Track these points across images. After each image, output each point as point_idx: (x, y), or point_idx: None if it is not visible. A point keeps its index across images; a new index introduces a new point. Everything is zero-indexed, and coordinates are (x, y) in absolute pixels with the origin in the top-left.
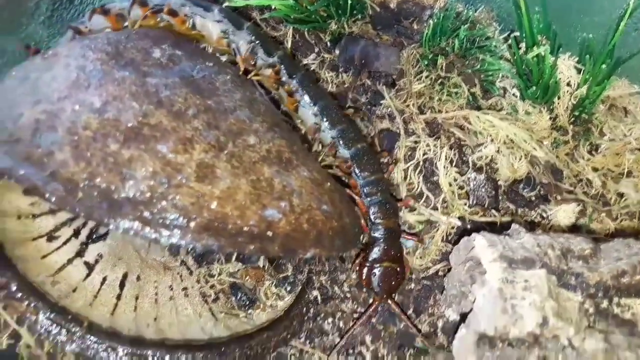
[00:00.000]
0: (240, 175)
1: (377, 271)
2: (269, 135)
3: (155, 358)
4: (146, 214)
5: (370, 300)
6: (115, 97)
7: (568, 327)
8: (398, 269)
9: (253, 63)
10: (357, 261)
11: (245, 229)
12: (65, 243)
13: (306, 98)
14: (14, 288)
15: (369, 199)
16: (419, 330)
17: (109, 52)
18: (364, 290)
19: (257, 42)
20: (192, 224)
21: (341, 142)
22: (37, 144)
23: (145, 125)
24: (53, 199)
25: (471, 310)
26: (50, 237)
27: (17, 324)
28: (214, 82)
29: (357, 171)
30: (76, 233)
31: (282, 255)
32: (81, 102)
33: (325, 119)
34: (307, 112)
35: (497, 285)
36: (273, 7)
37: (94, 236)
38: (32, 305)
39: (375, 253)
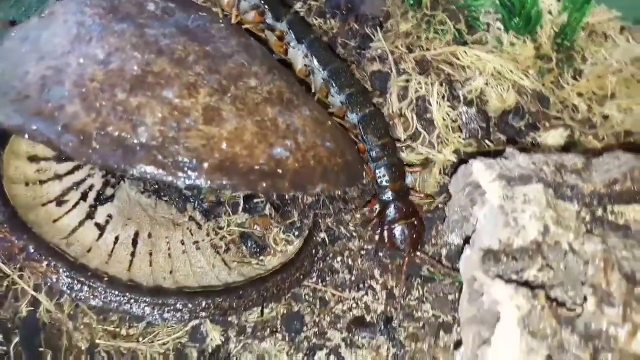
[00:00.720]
0: (245, 116)
1: (396, 232)
2: (268, 77)
3: (177, 305)
4: (160, 157)
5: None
6: (117, 49)
7: (568, 233)
8: (415, 221)
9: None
10: (373, 223)
11: (256, 167)
12: (74, 206)
13: (315, 62)
14: (32, 250)
15: (375, 163)
16: (453, 268)
17: (105, 7)
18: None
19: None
20: (205, 165)
21: (349, 106)
22: (47, 99)
23: (149, 73)
24: (68, 151)
25: (474, 231)
26: (59, 201)
27: (36, 289)
28: (209, 30)
29: (364, 135)
30: (84, 196)
31: (293, 191)
32: (85, 55)
33: (333, 83)
34: (317, 77)
35: (498, 202)
36: None
37: (102, 198)
38: (52, 264)
39: (389, 215)
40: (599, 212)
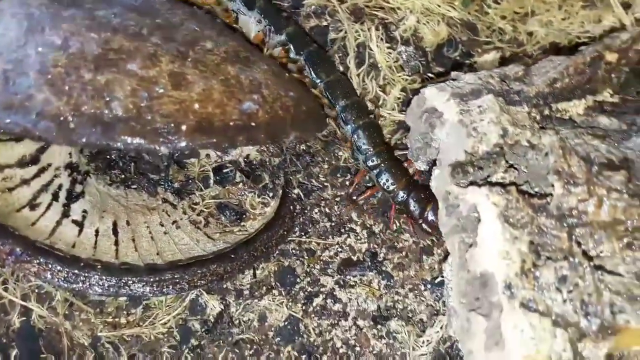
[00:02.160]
0: (210, 77)
1: (429, 216)
2: (221, 39)
3: (174, 278)
4: (138, 127)
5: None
6: (72, 33)
7: (524, 131)
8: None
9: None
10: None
11: (231, 123)
12: (48, 208)
13: (312, 74)
14: (20, 252)
15: (375, 170)
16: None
17: None
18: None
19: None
20: (184, 127)
21: (344, 118)
22: (14, 91)
23: (110, 51)
24: (48, 137)
25: (438, 153)
26: (32, 205)
27: (24, 298)
28: (153, 4)
29: (359, 146)
30: (55, 197)
31: (269, 141)
32: (43, 44)
33: (329, 95)
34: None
35: (457, 118)
36: None
37: (73, 195)
38: (43, 262)
39: (415, 210)
40: (546, 111)
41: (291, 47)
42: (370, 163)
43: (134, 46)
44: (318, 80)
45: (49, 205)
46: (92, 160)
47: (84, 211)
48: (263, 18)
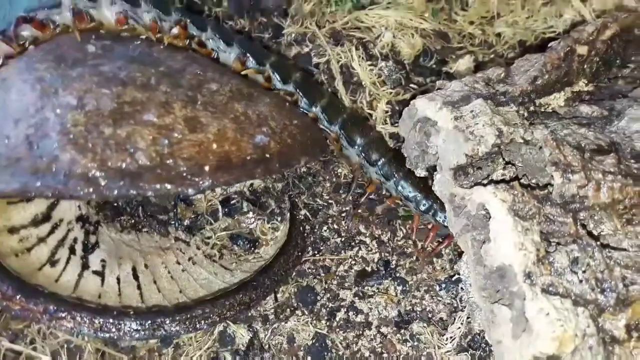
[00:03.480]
0: (221, 117)
1: None
2: (224, 78)
3: (204, 312)
4: (164, 174)
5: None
6: (85, 91)
7: (517, 129)
8: None
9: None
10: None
11: (248, 158)
12: (67, 262)
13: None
14: (53, 309)
15: (391, 181)
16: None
17: (53, 59)
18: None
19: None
20: (206, 168)
21: (345, 138)
22: (39, 155)
23: (124, 104)
24: (79, 195)
25: (437, 159)
26: (52, 262)
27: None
28: (152, 53)
29: (367, 162)
30: (72, 250)
31: (283, 169)
32: (59, 105)
33: (325, 117)
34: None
35: (452, 124)
36: None
37: (89, 247)
38: (77, 316)
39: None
40: (532, 107)
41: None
42: (383, 172)
43: (146, 97)
44: (312, 106)
45: (68, 259)
46: (100, 209)
47: (102, 260)
48: (243, 54)
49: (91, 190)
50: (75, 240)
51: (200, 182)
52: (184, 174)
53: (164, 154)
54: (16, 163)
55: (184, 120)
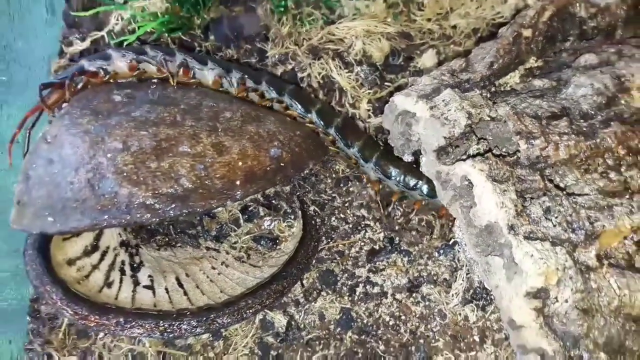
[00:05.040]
0: (239, 139)
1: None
2: (234, 106)
3: (248, 303)
4: (206, 192)
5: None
6: (127, 135)
7: (484, 109)
8: None
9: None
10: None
11: (268, 169)
12: (121, 282)
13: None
14: (124, 321)
15: (392, 176)
16: None
17: (90, 113)
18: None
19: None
20: (238, 182)
21: (363, 156)
22: (101, 193)
23: (161, 141)
24: (142, 221)
25: (420, 144)
26: (108, 284)
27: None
28: (168, 94)
29: (385, 173)
30: (122, 272)
31: (297, 174)
32: (108, 151)
33: (341, 139)
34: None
35: (428, 114)
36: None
37: (135, 266)
38: (145, 324)
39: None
40: (493, 88)
41: (268, 90)
42: (379, 169)
43: (177, 132)
44: (308, 113)
45: (121, 280)
46: (137, 234)
47: (149, 276)
48: (241, 78)
49: (150, 215)
50: (123, 262)
51: (236, 195)
52: (221, 190)
53: (202, 177)
54: (83, 203)
55: (212, 147)
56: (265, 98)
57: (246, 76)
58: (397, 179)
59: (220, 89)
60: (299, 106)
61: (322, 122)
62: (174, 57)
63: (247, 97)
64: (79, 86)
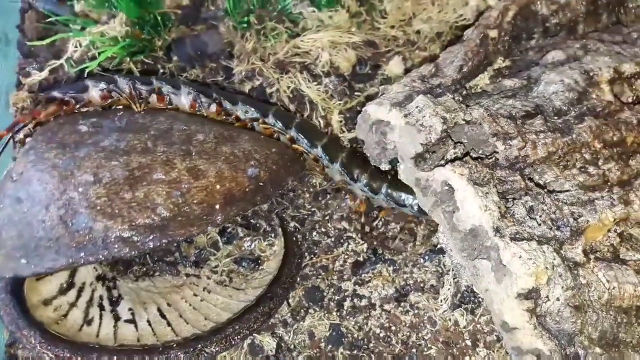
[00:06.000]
0: (215, 161)
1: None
2: (206, 128)
3: (235, 329)
4: (184, 219)
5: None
6: (97, 167)
7: (458, 113)
8: None
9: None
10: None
11: (246, 190)
12: (101, 318)
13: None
14: (107, 359)
15: (376, 193)
16: None
17: (57, 146)
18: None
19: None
20: (217, 206)
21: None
22: (75, 229)
23: (134, 170)
24: (122, 254)
25: (396, 153)
26: (88, 322)
27: None
28: (136, 120)
29: (375, 191)
30: (101, 307)
31: (276, 192)
32: (79, 184)
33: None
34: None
35: (403, 121)
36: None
37: (114, 300)
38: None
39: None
40: (464, 91)
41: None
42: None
43: (149, 159)
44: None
45: (101, 316)
46: (113, 266)
47: (130, 309)
48: (215, 99)
49: (129, 248)
50: (101, 297)
51: (216, 219)
52: (201, 216)
53: (179, 204)
54: (57, 242)
55: (187, 171)
56: (244, 119)
57: (222, 98)
58: (385, 195)
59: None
60: (305, 141)
61: (305, 139)
62: (150, 85)
63: (224, 119)
64: (78, 105)
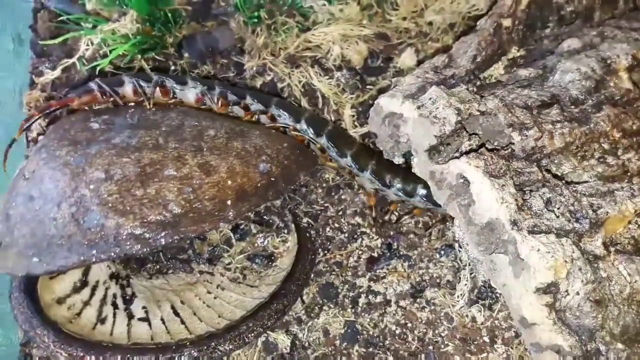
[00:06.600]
0: (226, 157)
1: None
2: (217, 123)
3: (249, 327)
4: (196, 216)
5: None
6: (109, 164)
7: (472, 104)
8: None
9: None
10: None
11: (258, 185)
12: (114, 317)
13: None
14: (121, 357)
15: (412, 196)
16: None
17: (69, 144)
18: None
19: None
20: (229, 202)
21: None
22: (86, 227)
23: (145, 166)
24: (133, 252)
25: (410, 146)
26: (101, 320)
27: None
28: (148, 117)
29: (387, 186)
30: (115, 306)
31: (289, 187)
32: (91, 181)
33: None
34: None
35: (416, 114)
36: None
37: (127, 299)
38: (147, 358)
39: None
40: (478, 82)
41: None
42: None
43: (161, 155)
44: (297, 122)
45: (114, 314)
46: (127, 264)
47: (144, 307)
48: (221, 93)
49: (141, 245)
50: (114, 296)
51: (228, 215)
52: (212, 212)
53: (191, 200)
54: (69, 239)
55: (199, 167)
56: (251, 111)
57: (228, 91)
58: (397, 188)
59: (203, 106)
60: (287, 116)
61: (312, 131)
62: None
63: (230, 113)
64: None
